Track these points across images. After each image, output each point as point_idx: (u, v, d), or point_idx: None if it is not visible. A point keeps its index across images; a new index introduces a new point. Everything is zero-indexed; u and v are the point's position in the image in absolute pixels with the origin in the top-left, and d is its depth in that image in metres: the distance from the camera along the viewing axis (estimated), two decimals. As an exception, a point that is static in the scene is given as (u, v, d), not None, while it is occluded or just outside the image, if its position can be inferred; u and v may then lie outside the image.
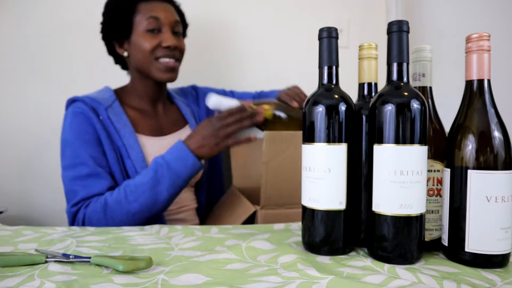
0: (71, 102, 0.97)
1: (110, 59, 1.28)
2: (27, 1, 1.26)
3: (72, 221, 0.88)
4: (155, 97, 1.06)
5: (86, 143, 0.90)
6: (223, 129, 0.85)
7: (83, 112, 0.92)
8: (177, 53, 1.00)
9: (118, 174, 0.92)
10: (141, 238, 0.66)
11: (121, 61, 1.08)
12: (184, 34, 1.10)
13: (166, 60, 0.98)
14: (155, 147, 1.00)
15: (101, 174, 0.89)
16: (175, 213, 1.02)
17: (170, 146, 0.88)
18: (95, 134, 0.92)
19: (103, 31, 1.03)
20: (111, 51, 1.06)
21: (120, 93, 1.05)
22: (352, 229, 0.58)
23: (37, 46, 1.27)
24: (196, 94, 1.20)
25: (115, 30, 1.00)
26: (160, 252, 0.58)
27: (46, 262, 0.53)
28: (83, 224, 0.86)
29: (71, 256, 0.53)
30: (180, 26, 1.03)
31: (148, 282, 0.47)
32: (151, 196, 0.83)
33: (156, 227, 0.74)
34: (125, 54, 1.02)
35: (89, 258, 0.52)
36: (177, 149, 0.85)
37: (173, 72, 1.00)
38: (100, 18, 1.31)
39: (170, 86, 1.17)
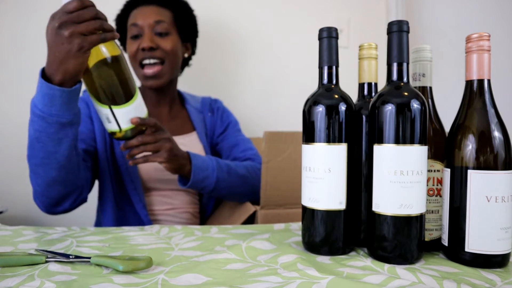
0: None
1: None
2: (27, 1, 1.26)
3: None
4: (157, 100, 1.06)
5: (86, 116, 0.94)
6: (68, 25, 0.60)
7: (84, 99, 0.98)
8: (159, 53, 0.98)
9: (102, 154, 0.93)
10: (141, 238, 0.66)
11: None
12: (185, 32, 1.08)
13: (147, 61, 0.98)
14: None
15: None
16: (162, 214, 0.99)
17: None
18: (90, 113, 0.95)
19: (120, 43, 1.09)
20: None
21: None
22: (352, 229, 0.58)
23: (38, 45, 1.27)
24: (213, 105, 1.18)
25: (121, 39, 1.07)
26: (160, 252, 0.58)
27: (46, 262, 0.53)
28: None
29: (71, 256, 0.53)
30: (166, 25, 1.00)
31: (148, 282, 0.47)
32: (30, 135, 0.69)
33: (156, 227, 0.74)
34: None
35: (89, 258, 0.52)
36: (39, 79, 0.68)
37: (154, 79, 1.00)
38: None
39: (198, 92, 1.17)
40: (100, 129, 0.94)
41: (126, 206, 0.95)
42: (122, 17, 1.05)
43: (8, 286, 0.45)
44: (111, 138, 0.95)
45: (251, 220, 0.92)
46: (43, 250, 0.57)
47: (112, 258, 0.51)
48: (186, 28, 1.08)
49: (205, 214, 1.07)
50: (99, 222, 1.02)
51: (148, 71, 0.99)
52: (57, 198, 0.78)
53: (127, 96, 0.72)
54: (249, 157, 1.04)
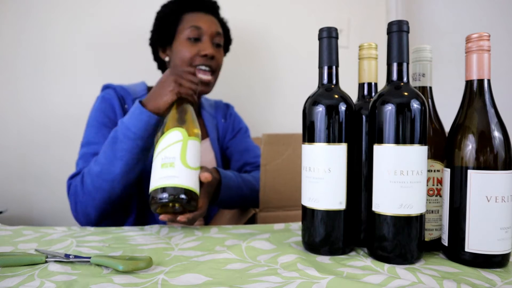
0: (104, 88, 0.99)
1: (113, 62, 1.29)
2: (28, 2, 1.26)
3: (68, 190, 0.87)
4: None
5: (102, 125, 0.92)
6: (180, 78, 0.80)
7: (109, 99, 0.95)
8: (214, 63, 1.02)
9: None
10: (141, 238, 0.66)
11: (163, 67, 1.12)
12: (226, 49, 1.15)
13: (203, 68, 1.00)
14: None
15: None
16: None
17: None
18: (114, 120, 0.94)
19: (151, 37, 1.08)
20: (156, 56, 1.11)
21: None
22: (352, 229, 0.58)
23: (38, 46, 1.27)
24: (226, 111, 1.19)
25: (161, 37, 1.05)
26: (160, 252, 0.58)
27: (46, 262, 0.53)
28: (71, 197, 0.86)
29: (71, 256, 0.53)
30: (221, 39, 1.06)
31: (148, 282, 0.47)
32: (109, 154, 0.79)
33: (156, 227, 0.74)
34: (167, 59, 1.07)
35: (89, 258, 0.52)
36: (133, 107, 0.80)
37: (206, 86, 1.02)
38: (100, 19, 1.31)
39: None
40: None
41: (147, 214, 0.95)
42: (172, 16, 1.04)
43: (8, 286, 0.45)
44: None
45: (250, 222, 0.92)
46: (43, 250, 0.57)
47: (112, 258, 0.51)
48: (228, 45, 1.15)
49: (208, 219, 1.07)
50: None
51: (204, 77, 1.00)
52: (107, 214, 0.85)
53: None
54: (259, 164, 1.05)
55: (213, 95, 1.32)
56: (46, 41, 1.27)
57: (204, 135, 1.09)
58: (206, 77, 1.01)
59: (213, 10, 1.07)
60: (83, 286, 0.45)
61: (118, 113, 0.94)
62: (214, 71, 1.03)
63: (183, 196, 0.66)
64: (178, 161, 0.68)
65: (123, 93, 0.97)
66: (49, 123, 1.28)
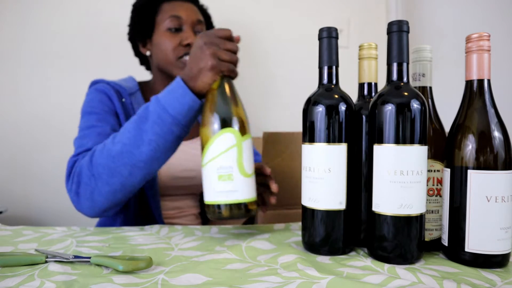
0: (94, 83, 0.95)
1: (112, 60, 1.28)
2: (28, 2, 1.26)
3: (69, 172, 0.75)
4: None
5: (104, 112, 0.86)
6: (217, 49, 0.65)
7: (106, 92, 0.90)
8: None
9: None
10: (141, 238, 0.66)
11: (145, 62, 1.09)
12: None
13: (187, 58, 0.95)
14: None
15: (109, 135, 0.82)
16: (174, 218, 1.01)
17: None
18: (114, 111, 0.89)
19: (129, 32, 1.05)
20: (137, 52, 1.07)
21: (143, 87, 1.04)
22: (352, 229, 0.58)
23: (38, 46, 1.27)
24: None
25: (139, 30, 1.02)
26: (160, 252, 0.58)
27: (46, 262, 0.53)
28: (74, 176, 0.73)
29: (71, 256, 0.53)
30: (203, 27, 1.02)
31: (148, 282, 0.47)
32: (135, 133, 0.67)
33: (156, 227, 0.74)
34: (148, 53, 1.04)
35: (89, 258, 0.52)
36: (172, 83, 0.68)
37: None
38: (100, 19, 1.31)
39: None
40: None
41: (146, 211, 0.95)
42: (149, 7, 1.00)
43: (8, 286, 0.45)
44: None
45: (251, 221, 0.92)
46: (43, 250, 0.57)
47: (112, 258, 0.51)
48: None
49: (207, 218, 1.07)
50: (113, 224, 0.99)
51: None
52: (115, 204, 0.73)
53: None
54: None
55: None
56: (47, 38, 1.27)
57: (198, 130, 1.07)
58: None
59: None
60: (83, 286, 0.45)
61: (118, 106, 0.89)
62: None
63: (243, 209, 0.63)
64: (236, 171, 0.62)
65: (117, 87, 0.93)
66: (50, 123, 1.28)
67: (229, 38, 0.67)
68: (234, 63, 0.67)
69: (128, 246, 0.62)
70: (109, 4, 1.30)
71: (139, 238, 0.66)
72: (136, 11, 1.02)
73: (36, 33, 1.26)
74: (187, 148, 1.02)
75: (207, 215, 0.64)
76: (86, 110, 0.88)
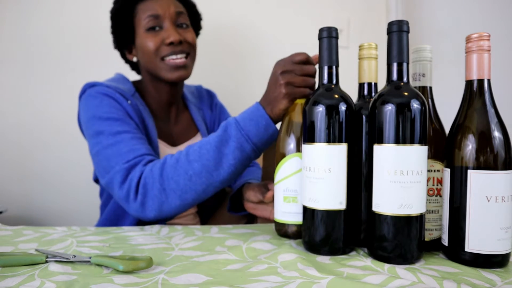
0: (91, 86, 0.90)
1: (111, 60, 1.28)
2: (28, 2, 1.26)
3: (124, 179, 0.75)
4: (169, 100, 1.01)
5: (122, 118, 0.84)
6: (292, 76, 0.68)
7: (111, 95, 0.87)
8: (185, 47, 0.93)
9: None
10: (141, 238, 0.66)
11: (136, 67, 1.06)
12: (196, 26, 1.05)
13: (173, 57, 0.92)
14: (166, 154, 0.97)
15: (144, 139, 0.83)
16: (174, 218, 1.00)
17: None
18: (126, 111, 0.87)
19: (113, 40, 1.01)
20: (126, 59, 1.05)
21: (138, 87, 1.01)
22: (352, 229, 0.58)
23: (38, 46, 1.27)
24: (211, 101, 1.16)
25: (121, 37, 0.98)
26: (160, 252, 0.58)
27: (46, 262, 0.53)
28: (137, 185, 0.74)
29: (71, 256, 0.53)
30: (186, 16, 0.97)
31: (148, 282, 0.47)
32: (215, 156, 0.70)
33: (156, 227, 0.74)
34: (135, 59, 1.01)
35: (89, 258, 0.52)
36: (252, 108, 0.71)
37: (183, 69, 0.93)
38: (100, 19, 1.31)
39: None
40: (142, 130, 0.89)
41: None
42: (125, 10, 0.95)
43: (8, 286, 0.45)
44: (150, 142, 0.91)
45: (251, 219, 0.92)
46: (43, 250, 0.57)
47: (112, 258, 0.51)
48: (197, 22, 1.06)
49: (204, 214, 1.07)
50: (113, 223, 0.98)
51: (177, 60, 0.92)
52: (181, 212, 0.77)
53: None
54: None
55: (213, 89, 1.32)
56: (48, 38, 1.27)
57: (195, 130, 1.06)
58: (179, 60, 0.92)
59: None
60: (83, 286, 0.45)
61: (128, 109, 0.86)
62: (188, 53, 0.95)
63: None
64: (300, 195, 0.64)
65: (119, 90, 0.90)
66: (50, 123, 1.28)
67: (306, 62, 0.69)
68: (310, 86, 0.69)
69: (128, 246, 0.62)
70: (109, 6, 1.31)
71: (139, 238, 0.66)
72: (114, 18, 0.98)
73: (37, 33, 1.26)
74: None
75: (275, 228, 0.69)
76: (101, 116, 0.84)
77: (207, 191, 0.73)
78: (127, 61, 1.06)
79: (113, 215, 0.92)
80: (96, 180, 1.01)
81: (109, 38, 1.30)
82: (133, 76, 1.10)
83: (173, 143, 1.00)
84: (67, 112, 1.27)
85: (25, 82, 1.27)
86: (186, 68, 0.94)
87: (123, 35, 0.98)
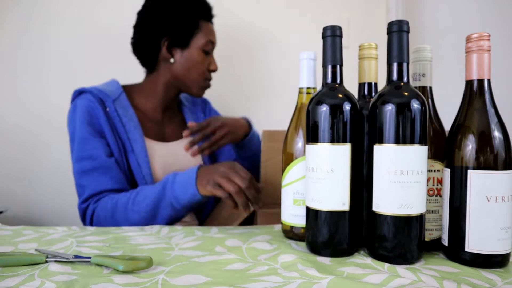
0: (78, 93, 0.96)
1: (111, 60, 1.28)
2: (28, 2, 1.26)
3: (83, 217, 0.89)
4: (169, 104, 1.08)
5: (92, 136, 0.91)
6: (230, 173, 0.76)
7: (90, 105, 0.92)
8: None
9: (120, 163, 0.93)
10: (141, 238, 0.66)
11: (148, 58, 1.03)
12: None
13: (208, 81, 1.05)
14: (158, 150, 1.00)
15: (109, 167, 0.89)
16: None
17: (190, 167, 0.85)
18: (100, 127, 0.92)
19: (155, 25, 0.98)
20: (152, 50, 1.00)
21: (129, 90, 1.04)
22: (355, 230, 0.58)
23: (38, 46, 1.27)
24: (204, 106, 1.21)
25: (175, 34, 0.98)
26: (160, 252, 0.58)
27: (46, 262, 0.53)
28: (91, 220, 0.86)
29: (71, 256, 0.53)
30: None
31: (148, 282, 0.47)
32: (152, 211, 0.81)
33: (156, 227, 0.74)
34: (171, 60, 1.00)
35: (89, 258, 0.52)
36: (188, 173, 0.80)
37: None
38: (99, 20, 1.31)
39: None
40: (113, 140, 0.92)
41: None
42: (190, 17, 0.98)
43: (8, 286, 0.45)
44: (124, 148, 0.94)
45: (250, 219, 0.92)
46: (43, 250, 0.57)
47: (112, 258, 0.51)
48: None
49: (202, 214, 1.08)
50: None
51: (207, 84, 1.06)
52: None
53: None
54: None
55: (213, 94, 1.33)
56: (47, 39, 1.27)
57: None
58: (208, 84, 1.06)
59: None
60: (83, 286, 0.45)
61: (102, 120, 0.92)
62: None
63: None
64: None
65: (101, 96, 0.94)
66: (50, 123, 1.28)
67: (249, 181, 0.76)
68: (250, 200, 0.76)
69: (128, 246, 0.62)
70: (109, 6, 1.30)
71: (140, 238, 0.66)
72: (176, 13, 0.97)
73: (37, 33, 1.26)
74: (179, 147, 1.05)
75: (282, 230, 0.69)
76: (74, 134, 0.92)
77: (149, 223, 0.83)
78: (152, 53, 1.01)
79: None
80: None
81: (109, 39, 1.30)
82: (133, 77, 1.10)
83: (164, 140, 1.04)
84: (67, 112, 1.28)
85: (25, 83, 1.27)
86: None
87: (179, 35, 0.98)
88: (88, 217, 0.87)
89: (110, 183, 0.88)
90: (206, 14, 1.02)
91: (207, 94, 1.33)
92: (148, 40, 1.00)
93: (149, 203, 0.81)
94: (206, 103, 1.22)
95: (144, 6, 1.02)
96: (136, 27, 1.03)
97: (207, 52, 1.02)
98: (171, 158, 1.01)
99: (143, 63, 1.05)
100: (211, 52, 1.04)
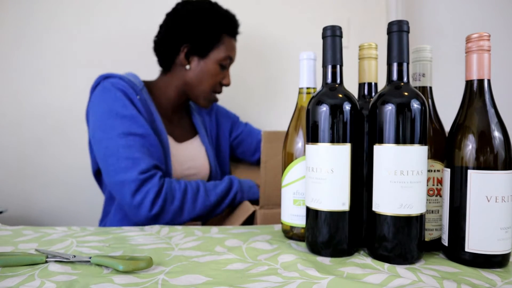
0: (105, 77, 0.94)
1: (111, 60, 1.28)
2: (28, 2, 1.26)
3: (138, 189, 0.82)
4: (179, 107, 1.09)
5: (138, 114, 0.89)
6: None
7: (124, 86, 0.91)
8: None
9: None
10: (141, 238, 0.66)
11: (165, 59, 1.04)
12: None
13: (217, 95, 1.06)
14: (172, 149, 1.02)
15: (157, 147, 0.90)
16: None
17: (247, 182, 0.97)
18: (138, 109, 0.92)
19: (181, 32, 0.99)
20: (171, 52, 1.02)
21: (148, 85, 1.05)
22: (356, 230, 0.58)
23: (37, 46, 1.27)
24: (211, 109, 1.22)
25: (195, 43, 0.99)
26: (160, 252, 0.58)
27: (46, 262, 0.53)
28: (154, 199, 0.82)
29: (71, 256, 0.53)
30: None
31: (148, 282, 0.47)
32: (219, 204, 0.91)
33: (156, 227, 0.74)
34: (187, 67, 1.02)
35: (89, 258, 0.52)
36: (251, 185, 0.97)
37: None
38: (99, 18, 1.31)
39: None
40: (150, 126, 0.93)
41: None
42: (214, 30, 0.99)
43: (8, 286, 0.45)
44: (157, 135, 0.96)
45: (250, 219, 0.92)
46: (43, 250, 0.57)
47: (112, 258, 0.51)
48: None
49: None
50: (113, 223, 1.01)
51: (215, 98, 1.07)
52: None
53: None
54: None
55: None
56: (47, 38, 1.27)
57: (194, 132, 1.13)
58: (216, 98, 1.08)
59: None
60: (83, 286, 0.45)
61: (138, 104, 0.91)
62: None
63: None
64: None
65: (131, 84, 0.93)
66: (50, 123, 1.28)
67: None
68: None
69: (129, 246, 0.62)
70: (108, 6, 1.30)
71: (140, 238, 0.66)
72: (202, 23, 0.98)
73: (36, 33, 1.26)
74: (192, 146, 1.07)
75: (282, 230, 0.69)
76: (114, 111, 0.87)
77: (208, 215, 0.91)
78: (170, 55, 1.02)
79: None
80: (96, 173, 1.02)
81: (110, 38, 1.30)
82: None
83: (175, 140, 1.05)
84: (67, 112, 1.28)
85: (25, 82, 1.27)
86: None
87: (201, 44, 0.99)
88: (150, 190, 0.82)
89: (159, 162, 0.88)
90: (231, 29, 1.03)
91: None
92: (170, 42, 1.01)
93: (223, 189, 0.91)
94: (213, 105, 1.22)
95: (174, 9, 1.03)
96: (161, 27, 1.04)
97: (224, 66, 1.03)
98: (183, 158, 1.04)
99: (160, 62, 1.06)
100: (228, 67, 1.05)
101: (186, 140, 1.08)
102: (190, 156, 1.05)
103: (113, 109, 0.88)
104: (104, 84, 0.92)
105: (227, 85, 1.05)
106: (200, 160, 1.07)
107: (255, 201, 0.95)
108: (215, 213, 0.92)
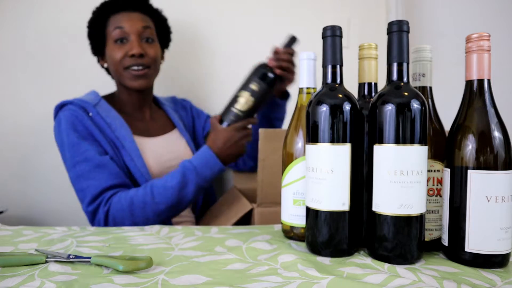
0: (60, 107, 0.99)
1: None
2: (27, 2, 1.26)
3: (92, 220, 0.89)
4: (139, 103, 1.10)
5: (81, 140, 0.93)
6: (242, 140, 0.93)
7: (73, 114, 0.95)
8: (146, 60, 1.02)
9: (116, 161, 0.95)
10: (141, 238, 0.66)
11: (110, 73, 1.13)
12: (164, 40, 1.14)
13: (135, 68, 1.01)
14: (147, 145, 1.03)
15: (105, 164, 0.90)
16: None
17: (198, 151, 0.94)
18: (88, 131, 0.95)
19: (91, 48, 1.09)
20: (101, 65, 1.12)
21: (107, 97, 1.09)
22: (355, 230, 0.57)
23: (37, 46, 1.27)
24: (184, 104, 1.26)
25: (95, 45, 1.07)
26: (160, 252, 0.58)
27: (46, 262, 0.53)
28: (106, 221, 0.87)
29: (71, 256, 0.53)
30: (153, 31, 1.06)
31: (148, 282, 0.47)
32: (178, 197, 0.88)
33: (156, 227, 0.74)
34: (105, 65, 1.09)
35: (89, 258, 0.52)
36: (205, 155, 0.91)
37: (143, 78, 1.02)
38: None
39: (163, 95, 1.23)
40: (103, 140, 0.95)
41: None
42: (99, 21, 1.04)
43: (8, 286, 0.45)
44: (115, 145, 0.97)
45: (247, 217, 0.92)
46: (43, 250, 0.57)
47: (112, 258, 0.51)
48: (166, 36, 1.14)
49: (196, 207, 1.13)
50: None
51: (138, 72, 1.01)
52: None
53: None
54: None
55: (213, 94, 1.32)
56: (47, 40, 1.27)
57: (172, 126, 1.15)
58: (140, 72, 1.01)
59: (138, 6, 1.04)
60: (83, 286, 0.45)
61: (88, 124, 0.95)
62: (148, 67, 1.03)
63: None
64: None
65: (82, 104, 0.97)
66: (50, 123, 1.28)
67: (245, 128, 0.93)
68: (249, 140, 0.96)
69: (128, 246, 0.62)
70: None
71: (139, 238, 0.66)
72: (90, 27, 1.06)
73: (36, 34, 1.26)
74: (170, 138, 1.10)
75: (282, 230, 0.69)
76: (64, 143, 0.94)
77: (171, 215, 0.92)
78: (102, 66, 1.12)
79: None
80: None
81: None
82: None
83: (151, 135, 1.08)
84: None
85: (25, 83, 1.27)
86: (146, 78, 1.04)
87: (97, 43, 1.06)
88: (101, 220, 0.87)
89: (110, 179, 0.89)
90: (114, 7, 1.03)
91: (211, 94, 1.33)
92: (97, 58, 1.11)
93: (173, 192, 0.87)
94: (186, 102, 1.27)
95: None
96: None
97: (121, 39, 1.00)
98: (161, 151, 1.05)
99: (109, 74, 1.13)
100: (129, 37, 1.00)
101: (163, 134, 1.10)
102: (169, 148, 1.07)
103: (62, 143, 0.95)
104: (58, 117, 0.97)
105: (135, 55, 0.99)
106: (180, 151, 1.09)
107: (254, 200, 0.94)
108: (181, 208, 0.91)
